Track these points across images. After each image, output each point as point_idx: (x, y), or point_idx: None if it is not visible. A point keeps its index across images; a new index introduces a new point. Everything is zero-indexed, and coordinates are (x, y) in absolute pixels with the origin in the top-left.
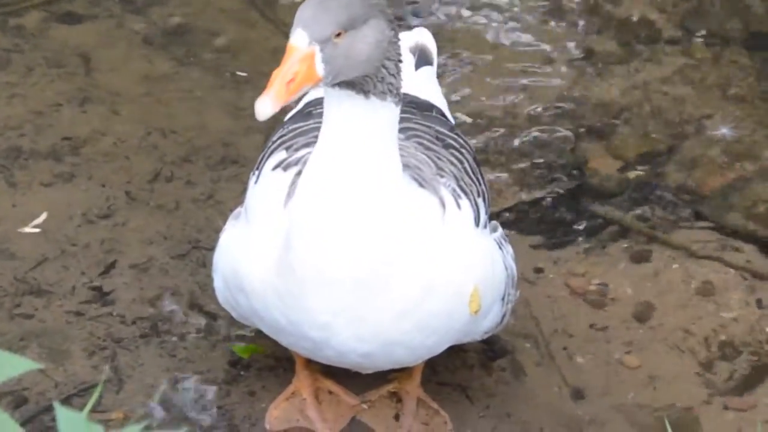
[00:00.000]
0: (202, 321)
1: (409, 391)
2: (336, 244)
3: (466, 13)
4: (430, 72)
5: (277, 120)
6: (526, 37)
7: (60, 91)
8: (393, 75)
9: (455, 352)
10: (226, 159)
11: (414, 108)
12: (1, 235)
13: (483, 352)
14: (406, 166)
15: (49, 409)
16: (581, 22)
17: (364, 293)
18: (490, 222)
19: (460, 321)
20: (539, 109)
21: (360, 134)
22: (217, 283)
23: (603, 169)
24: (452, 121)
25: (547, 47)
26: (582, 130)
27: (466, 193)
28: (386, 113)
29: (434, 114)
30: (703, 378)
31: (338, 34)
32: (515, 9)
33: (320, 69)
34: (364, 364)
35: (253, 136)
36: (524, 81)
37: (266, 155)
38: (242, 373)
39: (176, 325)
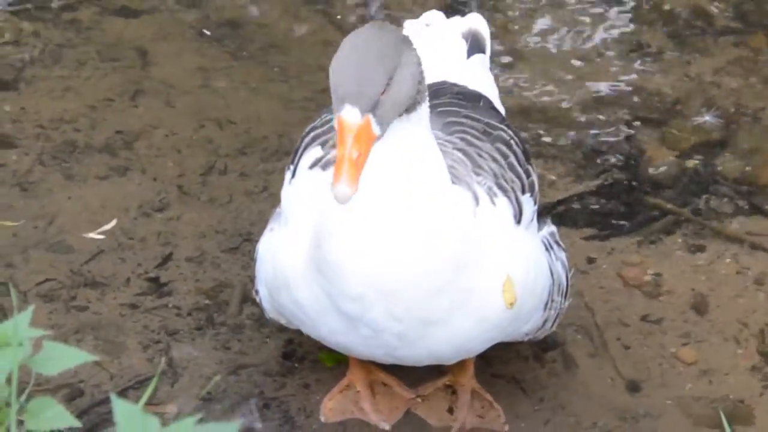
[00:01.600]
0: (255, 313)
1: (463, 384)
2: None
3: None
4: (482, 60)
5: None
6: (579, 27)
7: (113, 85)
8: (422, 92)
9: (507, 344)
10: (279, 151)
11: (462, 99)
12: (58, 228)
13: (536, 344)
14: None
15: (104, 401)
16: (633, 13)
17: (399, 322)
18: (543, 220)
19: (495, 312)
20: (592, 100)
21: (403, 146)
22: (261, 292)
23: (658, 159)
24: (503, 111)
25: (599, 37)
26: (636, 121)
27: (504, 191)
28: (420, 113)
29: (482, 104)
30: (759, 370)
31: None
32: None
33: (377, 130)
34: (402, 351)
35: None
36: (577, 71)
37: (300, 150)
38: (296, 365)
39: (230, 317)
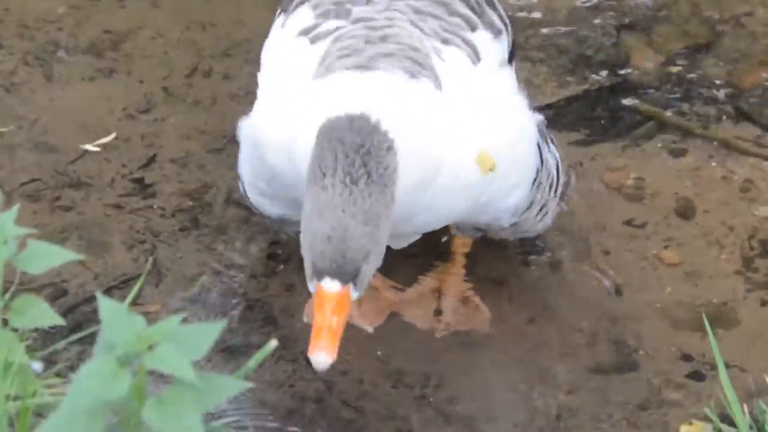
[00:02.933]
0: (240, 214)
1: (450, 285)
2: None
3: None
4: None
5: None
6: None
7: None
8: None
9: (492, 247)
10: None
11: None
12: (43, 129)
13: (521, 246)
14: (390, 55)
15: (88, 300)
16: None
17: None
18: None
19: (470, 181)
20: (578, 3)
21: None
22: (242, 174)
23: (643, 64)
24: None
25: None
26: (622, 27)
27: (447, 42)
28: None
29: None
30: (743, 274)
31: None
32: None
33: (355, 296)
34: None
35: None
36: None
37: (290, 9)
38: (280, 266)
39: (214, 218)
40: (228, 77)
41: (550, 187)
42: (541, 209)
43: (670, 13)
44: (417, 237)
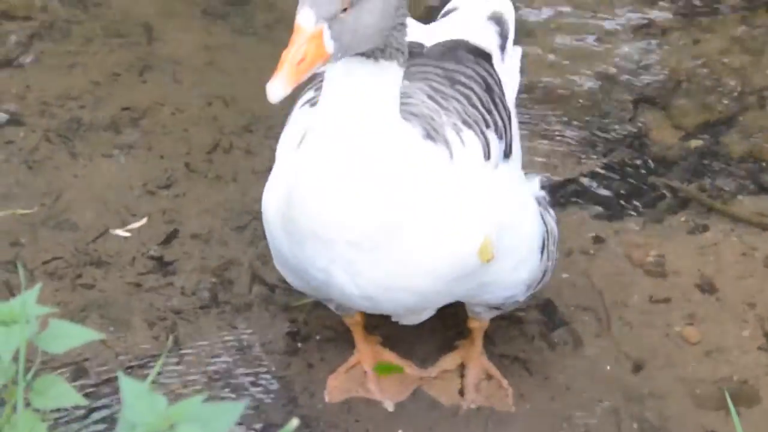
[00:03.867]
0: (262, 292)
1: (472, 362)
2: (334, 205)
3: None
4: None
5: None
6: (585, 6)
7: (119, 61)
8: (400, 42)
9: (514, 323)
10: None
11: (445, 50)
12: (65, 206)
13: (542, 324)
14: (414, 115)
15: (109, 380)
16: None
17: (358, 252)
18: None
19: (468, 266)
20: (598, 80)
21: (364, 94)
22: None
23: (663, 138)
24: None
25: (605, 17)
26: (642, 100)
27: (469, 125)
28: (392, 72)
29: (461, 51)
30: (765, 351)
31: (344, 9)
32: None
33: (329, 47)
34: (371, 307)
35: None
36: (584, 50)
37: (300, 97)
38: (301, 345)
39: (236, 296)
40: (250, 152)
41: (556, 246)
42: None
43: (690, 87)
44: (431, 313)
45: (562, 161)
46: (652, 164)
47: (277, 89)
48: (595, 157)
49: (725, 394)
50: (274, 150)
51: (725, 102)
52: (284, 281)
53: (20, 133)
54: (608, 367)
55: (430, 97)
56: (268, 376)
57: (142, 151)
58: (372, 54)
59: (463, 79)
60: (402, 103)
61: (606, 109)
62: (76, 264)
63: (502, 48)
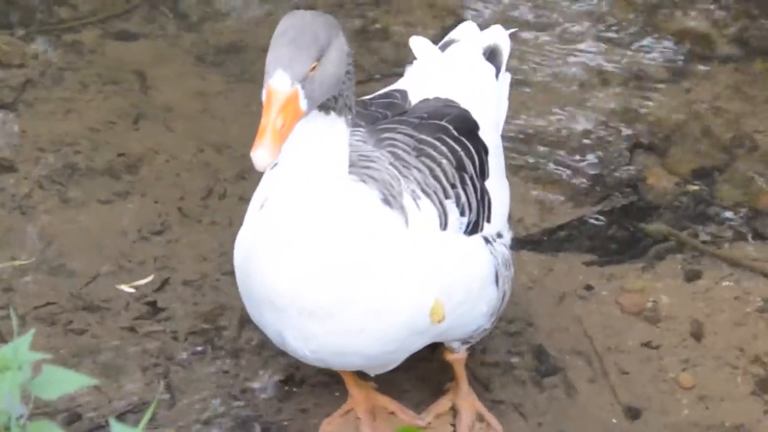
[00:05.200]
0: (254, 337)
1: (464, 404)
2: (288, 275)
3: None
4: (492, 74)
5: None
6: (579, 53)
7: (113, 108)
8: (349, 89)
9: (507, 369)
10: None
11: (426, 117)
12: (58, 252)
13: (535, 369)
14: (373, 179)
15: (102, 426)
16: (634, 39)
17: (310, 320)
18: (498, 238)
19: (420, 328)
20: (592, 126)
21: (317, 144)
22: None
23: (657, 185)
24: (497, 129)
25: (599, 63)
26: (636, 147)
27: (427, 195)
28: (340, 128)
29: (442, 122)
30: (757, 396)
31: (313, 67)
32: (567, 24)
33: (303, 105)
34: (329, 366)
35: None
36: (577, 98)
37: None
38: (295, 389)
39: (229, 341)
40: (243, 199)
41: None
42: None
43: (684, 133)
44: (399, 363)
45: (557, 207)
46: (646, 210)
47: (263, 157)
48: (589, 203)
49: None
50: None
51: (717, 148)
52: None
53: (11, 180)
54: (602, 413)
55: (392, 165)
56: (262, 421)
57: (137, 197)
58: (325, 105)
59: (433, 152)
60: (363, 167)
61: (602, 155)
62: (69, 309)
63: (496, 76)
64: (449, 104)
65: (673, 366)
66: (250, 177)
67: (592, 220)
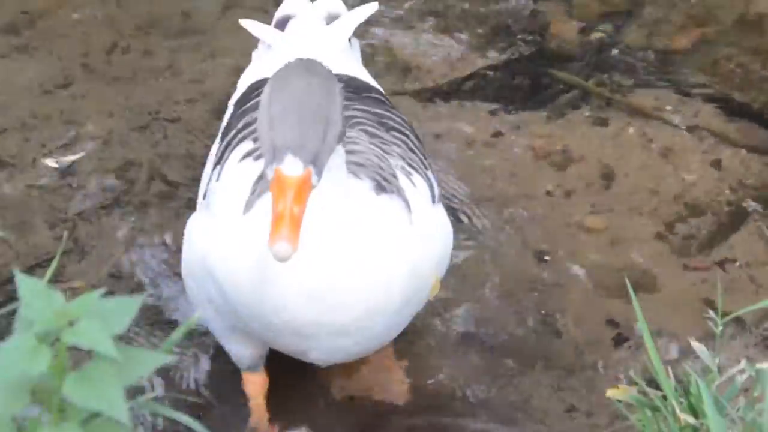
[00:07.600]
0: (163, 191)
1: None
2: (316, 306)
3: None
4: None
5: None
6: None
7: None
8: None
9: None
10: (186, 29)
11: (351, 91)
12: None
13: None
14: (362, 165)
15: (10, 279)
16: None
17: (339, 337)
18: None
19: (420, 306)
20: None
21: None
22: (186, 278)
23: (563, 32)
24: (381, 90)
25: None
26: None
27: (415, 169)
28: (339, 153)
29: (373, 95)
30: (664, 239)
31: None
32: None
33: (315, 182)
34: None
35: (211, 4)
36: None
37: (230, 148)
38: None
39: (137, 195)
40: (148, 53)
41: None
42: None
43: None
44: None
45: (463, 57)
46: (552, 58)
47: (286, 250)
48: (495, 51)
49: (626, 281)
50: (172, 50)
51: None
52: (188, 179)
53: None
54: (511, 258)
55: (372, 144)
56: (171, 272)
57: (41, 53)
58: None
59: (394, 125)
60: (348, 152)
61: (506, 4)
62: None
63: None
64: (351, 78)
65: (581, 210)
66: (153, 32)
67: (497, 70)
